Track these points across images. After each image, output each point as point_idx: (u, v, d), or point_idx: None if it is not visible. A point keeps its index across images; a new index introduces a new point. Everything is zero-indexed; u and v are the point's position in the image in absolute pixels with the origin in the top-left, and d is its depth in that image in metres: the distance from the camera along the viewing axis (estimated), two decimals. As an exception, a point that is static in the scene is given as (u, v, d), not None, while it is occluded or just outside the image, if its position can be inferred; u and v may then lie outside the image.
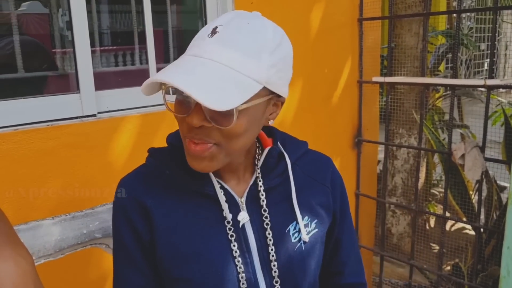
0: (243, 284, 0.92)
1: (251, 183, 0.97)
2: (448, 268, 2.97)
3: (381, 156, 3.26)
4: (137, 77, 2.23)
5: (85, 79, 1.80)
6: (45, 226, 1.26)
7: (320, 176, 1.05)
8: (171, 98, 0.83)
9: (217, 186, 0.93)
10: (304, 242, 0.97)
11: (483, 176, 2.38)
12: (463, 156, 2.34)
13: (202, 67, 0.78)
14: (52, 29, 2.70)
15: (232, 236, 0.93)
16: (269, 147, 0.98)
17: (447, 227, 3.56)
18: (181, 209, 0.93)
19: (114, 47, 3.40)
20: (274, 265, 0.94)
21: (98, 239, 1.33)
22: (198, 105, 0.79)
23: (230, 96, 0.76)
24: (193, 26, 2.36)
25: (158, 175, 0.96)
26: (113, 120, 1.84)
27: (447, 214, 2.63)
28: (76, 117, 1.79)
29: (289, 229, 0.97)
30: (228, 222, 0.93)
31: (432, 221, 3.98)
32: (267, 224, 0.95)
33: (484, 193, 2.77)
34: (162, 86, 0.82)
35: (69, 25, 1.76)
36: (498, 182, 2.88)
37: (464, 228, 3.93)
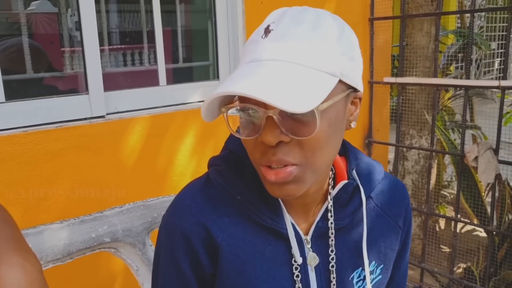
0: None
1: (317, 218, 0.83)
2: (459, 271, 2.93)
3: (391, 156, 3.22)
4: (146, 78, 2.22)
5: (94, 80, 1.78)
6: (54, 230, 1.25)
7: (395, 212, 0.90)
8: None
9: (289, 223, 0.79)
10: None
11: (496, 178, 2.34)
12: (476, 158, 2.30)
13: (264, 69, 0.65)
14: (61, 29, 2.69)
15: (296, 278, 0.81)
16: (344, 181, 0.83)
17: (457, 229, 3.52)
18: (251, 247, 0.80)
19: (123, 47, 3.39)
20: None
21: (106, 243, 1.31)
22: (269, 119, 0.65)
23: (307, 95, 0.62)
24: (203, 25, 2.34)
25: (228, 200, 0.80)
26: (122, 121, 1.82)
27: (458, 217, 2.59)
28: (85, 118, 1.78)
29: (353, 276, 0.85)
30: (296, 268, 0.80)
31: (442, 223, 3.93)
32: (332, 269, 0.82)
33: (496, 195, 2.73)
34: (222, 109, 0.70)
35: (78, 25, 1.74)
36: (511, 184, 2.83)
37: (474, 230, 3.88)
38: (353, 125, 0.77)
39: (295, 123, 0.66)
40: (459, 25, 4.26)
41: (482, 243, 3.17)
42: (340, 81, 0.68)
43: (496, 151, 2.32)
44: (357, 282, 0.85)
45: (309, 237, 0.82)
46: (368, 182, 0.86)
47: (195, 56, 2.68)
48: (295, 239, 0.79)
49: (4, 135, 1.57)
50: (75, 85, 2.23)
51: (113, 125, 1.80)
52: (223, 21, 2.19)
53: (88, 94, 1.79)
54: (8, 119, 1.61)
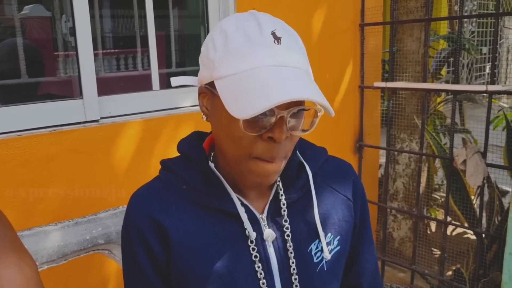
0: None
1: (271, 197, 0.90)
2: (450, 273, 2.97)
3: (382, 160, 3.26)
4: (140, 82, 2.24)
5: (88, 85, 1.81)
6: (48, 232, 1.27)
7: (343, 187, 0.97)
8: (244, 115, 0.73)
9: (237, 203, 0.86)
10: (326, 262, 0.91)
11: (485, 181, 2.38)
12: (464, 161, 2.34)
13: (299, 76, 0.75)
14: (54, 33, 2.71)
15: (256, 256, 0.86)
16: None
17: (448, 232, 3.56)
18: (200, 229, 0.86)
19: (117, 51, 3.41)
20: (297, 286, 0.88)
21: (100, 245, 1.33)
22: (281, 118, 0.75)
23: (323, 97, 0.75)
24: (196, 30, 2.37)
25: (174, 190, 0.88)
26: (115, 125, 1.85)
27: (449, 219, 2.63)
28: (79, 123, 1.80)
29: (311, 248, 0.90)
30: (252, 242, 0.86)
31: (434, 226, 3.97)
32: (289, 244, 0.88)
33: (485, 198, 2.78)
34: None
35: (72, 31, 1.77)
36: (500, 187, 2.88)
37: (465, 233, 3.92)
38: None
39: (297, 122, 0.78)
40: (450, 30, 4.32)
41: (472, 245, 3.21)
42: None
43: (484, 154, 2.36)
44: (315, 253, 0.90)
45: (264, 215, 0.88)
46: (312, 160, 0.95)
47: (188, 60, 2.71)
48: (246, 216, 0.85)
49: (-1, 139, 1.59)
50: (69, 90, 2.25)
51: (107, 129, 1.83)
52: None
53: (82, 98, 1.81)
54: (3, 123, 1.63)
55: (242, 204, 0.87)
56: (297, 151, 0.93)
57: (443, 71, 4.90)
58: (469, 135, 3.84)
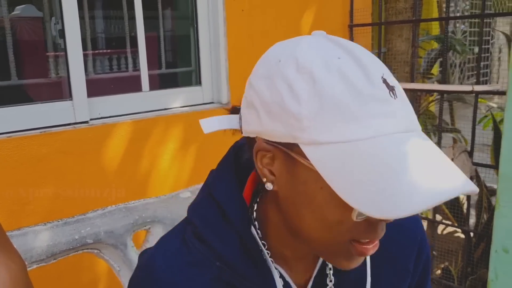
0: None
1: (315, 272, 0.71)
2: (439, 271, 3.00)
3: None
4: (129, 83, 2.27)
5: (78, 87, 1.83)
6: (37, 232, 1.28)
7: (404, 253, 0.75)
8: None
9: (279, 284, 0.67)
10: None
11: (473, 180, 2.41)
12: (452, 160, 2.37)
13: (436, 150, 0.54)
14: (45, 35, 2.72)
15: None
16: None
17: (439, 231, 3.60)
18: None
19: (107, 51, 3.42)
20: None
21: (89, 245, 1.35)
22: None
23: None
24: (185, 32, 2.39)
25: (206, 268, 0.66)
26: (105, 126, 1.87)
27: (438, 218, 2.66)
28: (69, 124, 1.82)
29: None
30: None
31: (424, 224, 4.01)
32: None
33: (475, 197, 2.82)
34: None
35: (62, 33, 1.78)
36: (488, 185, 2.92)
37: (455, 232, 3.96)
38: None
39: None
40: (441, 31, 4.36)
41: (462, 244, 3.25)
42: None
43: (470, 153, 2.39)
44: None
45: None
46: None
47: (177, 62, 2.73)
48: None
49: (-12, 141, 1.60)
50: (59, 91, 2.26)
51: (97, 130, 1.84)
52: (204, 28, 2.24)
53: (72, 100, 1.83)
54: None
55: (282, 277, 0.68)
56: None
57: (435, 70, 4.95)
58: (459, 134, 3.88)
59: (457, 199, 2.83)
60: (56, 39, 2.62)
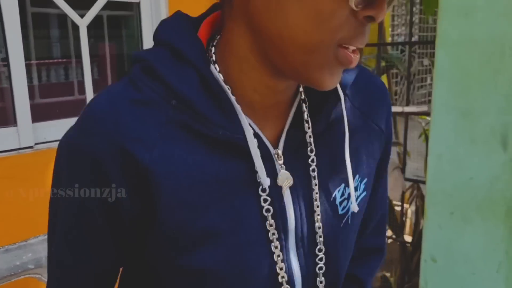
0: (282, 277, 0.62)
1: (287, 125, 0.64)
2: (378, 283, 3.16)
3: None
4: (75, 107, 2.32)
5: (22, 113, 1.87)
6: (-21, 260, 1.33)
7: (376, 112, 0.72)
8: None
9: (248, 131, 0.58)
10: (352, 213, 0.68)
11: (415, 191, 2.59)
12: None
13: None
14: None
15: (268, 210, 0.61)
16: None
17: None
18: (195, 168, 0.57)
19: (51, 63, 3.40)
20: (321, 250, 0.65)
21: (31, 270, 1.41)
22: None
23: None
24: (129, 52, 2.46)
25: (159, 107, 0.57)
26: (50, 151, 1.92)
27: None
28: (14, 149, 1.86)
29: (335, 195, 0.66)
30: (264, 190, 0.60)
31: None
32: (316, 191, 0.64)
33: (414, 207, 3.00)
34: None
35: (6, 61, 1.83)
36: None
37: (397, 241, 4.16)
38: None
39: None
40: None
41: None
42: None
43: (403, 170, 2.57)
44: (340, 203, 0.67)
45: (280, 150, 0.63)
46: (343, 77, 0.64)
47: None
48: (259, 153, 0.59)
49: None
50: (3, 117, 2.29)
51: (41, 155, 1.89)
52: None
53: (16, 126, 1.87)
54: None
55: (254, 133, 0.60)
56: None
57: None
58: (402, 148, 4.10)
59: (392, 209, 3.01)
60: (0, 67, 2.65)
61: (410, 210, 3.30)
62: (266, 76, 0.58)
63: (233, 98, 0.58)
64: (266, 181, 0.59)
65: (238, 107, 0.58)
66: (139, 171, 0.56)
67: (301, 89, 0.64)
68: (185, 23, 0.61)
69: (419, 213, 3.00)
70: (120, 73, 2.90)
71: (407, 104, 2.51)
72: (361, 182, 0.70)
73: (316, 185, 0.64)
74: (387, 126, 0.74)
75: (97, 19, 2.21)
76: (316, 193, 0.64)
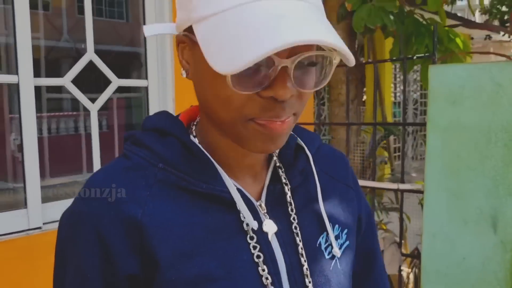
0: None
1: (267, 182, 0.73)
2: None
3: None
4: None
5: (33, 196, 1.98)
6: None
7: (340, 174, 0.82)
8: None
9: (231, 186, 0.67)
10: (338, 258, 0.75)
11: (400, 271, 2.63)
12: (382, 251, 2.60)
13: (308, 10, 0.57)
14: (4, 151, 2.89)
15: (259, 256, 0.67)
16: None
17: None
18: (184, 219, 0.65)
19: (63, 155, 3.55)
20: None
21: None
22: (283, 70, 0.57)
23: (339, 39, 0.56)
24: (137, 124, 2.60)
25: (147, 170, 0.66)
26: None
27: None
28: (22, 231, 1.96)
29: (320, 242, 0.74)
30: (252, 238, 0.67)
31: None
32: (297, 236, 0.71)
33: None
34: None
35: (20, 148, 1.96)
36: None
37: None
38: None
39: (306, 75, 0.60)
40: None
41: None
42: None
43: (399, 244, 2.62)
44: (326, 248, 0.74)
45: (262, 202, 0.71)
46: (308, 142, 0.79)
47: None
48: (243, 202, 0.66)
49: None
50: (14, 200, 2.41)
51: (49, 236, 1.98)
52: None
53: (26, 208, 1.98)
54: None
55: (236, 188, 0.69)
56: (292, 132, 0.76)
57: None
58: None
59: (391, 283, 3.03)
60: (15, 153, 2.80)
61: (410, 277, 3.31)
62: (230, 143, 0.67)
63: (212, 160, 0.67)
64: (254, 224, 0.66)
65: (218, 166, 0.67)
66: (134, 226, 0.62)
67: (276, 153, 0.75)
68: (167, 114, 0.73)
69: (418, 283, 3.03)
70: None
71: (402, 181, 2.59)
72: (342, 231, 0.77)
73: (297, 232, 0.71)
74: (355, 185, 0.84)
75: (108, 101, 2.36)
76: (300, 240, 0.71)
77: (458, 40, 4.20)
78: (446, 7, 7.03)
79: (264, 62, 0.55)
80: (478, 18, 12.65)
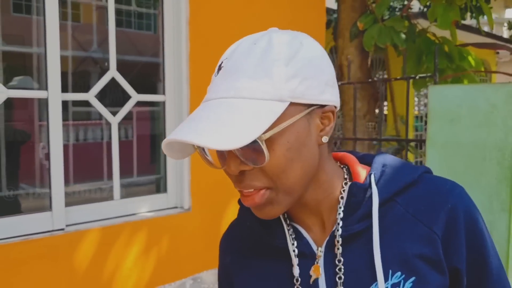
0: None
1: (334, 228, 0.76)
2: None
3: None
4: (102, 193, 2.63)
5: (57, 200, 2.18)
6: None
7: (429, 215, 0.75)
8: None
9: (288, 236, 0.78)
10: None
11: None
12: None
13: (207, 110, 0.68)
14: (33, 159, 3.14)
15: None
16: (350, 183, 0.78)
17: None
18: (253, 266, 0.83)
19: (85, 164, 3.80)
20: None
21: None
22: (230, 152, 0.68)
23: (247, 128, 0.64)
24: (153, 142, 2.78)
25: (241, 226, 0.88)
26: (79, 232, 2.20)
27: None
28: (47, 231, 2.15)
29: None
30: (297, 280, 0.77)
31: None
32: (340, 281, 0.75)
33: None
34: (194, 147, 0.73)
35: (48, 156, 2.16)
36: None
37: None
38: (324, 139, 0.73)
39: (253, 153, 0.67)
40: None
41: None
42: (294, 104, 0.68)
43: None
44: None
45: (322, 248, 0.77)
46: (388, 184, 0.77)
47: (145, 170, 3.11)
48: (295, 252, 0.77)
49: (-23, 248, 1.93)
50: (40, 203, 2.61)
51: (71, 237, 2.17)
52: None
53: (51, 211, 2.17)
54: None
55: (300, 236, 0.79)
56: (372, 174, 0.78)
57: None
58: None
59: None
60: (43, 160, 3.02)
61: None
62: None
63: (282, 218, 0.81)
64: (296, 271, 0.77)
65: (282, 218, 0.81)
66: (228, 268, 0.89)
67: (342, 199, 0.78)
68: None
69: None
70: (142, 159, 3.21)
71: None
72: (405, 279, 0.73)
73: (340, 278, 0.75)
74: (448, 230, 0.74)
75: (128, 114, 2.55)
76: (340, 285, 0.74)
77: (470, 58, 4.29)
78: (470, 21, 7.09)
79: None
80: (506, 33, 12.59)
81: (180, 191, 2.66)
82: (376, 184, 0.76)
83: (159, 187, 2.73)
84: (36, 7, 2.94)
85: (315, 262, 0.76)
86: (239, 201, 0.82)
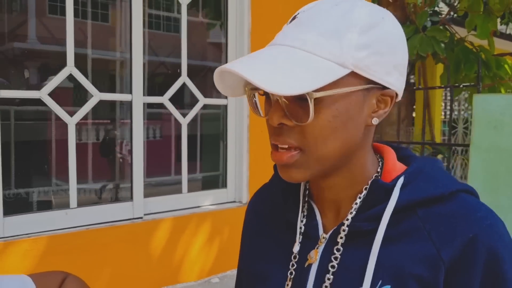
0: None
1: (345, 219, 0.73)
2: None
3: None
4: (173, 185, 2.90)
5: (138, 192, 2.45)
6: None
7: (442, 238, 0.67)
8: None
9: (300, 213, 0.77)
10: None
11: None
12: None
13: (269, 52, 0.66)
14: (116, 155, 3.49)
15: (291, 273, 0.75)
16: (372, 179, 0.73)
17: None
18: (264, 232, 0.85)
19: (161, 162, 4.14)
20: None
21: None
22: (277, 101, 0.66)
23: (300, 80, 0.61)
24: (216, 145, 3.04)
25: (269, 192, 0.90)
26: (155, 221, 2.46)
27: None
28: (128, 219, 2.42)
29: None
30: (294, 257, 0.75)
31: None
32: (332, 269, 0.72)
33: None
34: (245, 88, 0.71)
35: (130, 154, 2.44)
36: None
37: None
38: (374, 121, 0.69)
39: (299, 108, 0.65)
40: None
41: None
42: (356, 74, 0.64)
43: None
44: None
45: (327, 236, 0.74)
46: (412, 192, 0.70)
47: (208, 167, 3.38)
48: (301, 229, 0.76)
49: (73, 232, 2.20)
50: (122, 194, 2.88)
51: (148, 225, 2.44)
52: (232, 142, 2.90)
53: (132, 201, 2.44)
54: (77, 220, 2.25)
55: (313, 217, 0.77)
56: (402, 176, 0.71)
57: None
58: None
59: None
60: (125, 156, 3.32)
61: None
62: (313, 178, 0.76)
63: (302, 188, 0.80)
64: (296, 247, 0.75)
65: (301, 195, 0.79)
66: (247, 226, 0.93)
67: (363, 192, 0.73)
68: None
69: None
70: (205, 157, 3.48)
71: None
72: None
73: (333, 267, 0.71)
74: (457, 261, 0.66)
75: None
76: (329, 279, 0.71)
77: (506, 67, 4.45)
78: (501, 27, 7.17)
79: (270, 94, 0.67)
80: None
81: (239, 187, 2.91)
82: (403, 189, 0.70)
83: (220, 182, 2.99)
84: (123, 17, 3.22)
85: (315, 247, 0.74)
86: (275, 167, 0.80)
